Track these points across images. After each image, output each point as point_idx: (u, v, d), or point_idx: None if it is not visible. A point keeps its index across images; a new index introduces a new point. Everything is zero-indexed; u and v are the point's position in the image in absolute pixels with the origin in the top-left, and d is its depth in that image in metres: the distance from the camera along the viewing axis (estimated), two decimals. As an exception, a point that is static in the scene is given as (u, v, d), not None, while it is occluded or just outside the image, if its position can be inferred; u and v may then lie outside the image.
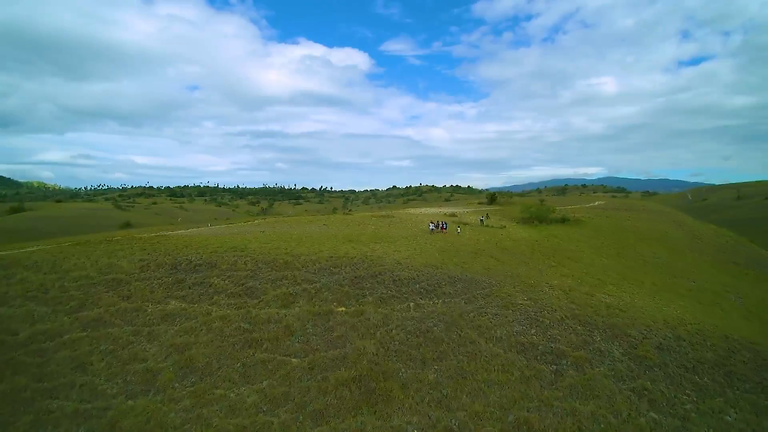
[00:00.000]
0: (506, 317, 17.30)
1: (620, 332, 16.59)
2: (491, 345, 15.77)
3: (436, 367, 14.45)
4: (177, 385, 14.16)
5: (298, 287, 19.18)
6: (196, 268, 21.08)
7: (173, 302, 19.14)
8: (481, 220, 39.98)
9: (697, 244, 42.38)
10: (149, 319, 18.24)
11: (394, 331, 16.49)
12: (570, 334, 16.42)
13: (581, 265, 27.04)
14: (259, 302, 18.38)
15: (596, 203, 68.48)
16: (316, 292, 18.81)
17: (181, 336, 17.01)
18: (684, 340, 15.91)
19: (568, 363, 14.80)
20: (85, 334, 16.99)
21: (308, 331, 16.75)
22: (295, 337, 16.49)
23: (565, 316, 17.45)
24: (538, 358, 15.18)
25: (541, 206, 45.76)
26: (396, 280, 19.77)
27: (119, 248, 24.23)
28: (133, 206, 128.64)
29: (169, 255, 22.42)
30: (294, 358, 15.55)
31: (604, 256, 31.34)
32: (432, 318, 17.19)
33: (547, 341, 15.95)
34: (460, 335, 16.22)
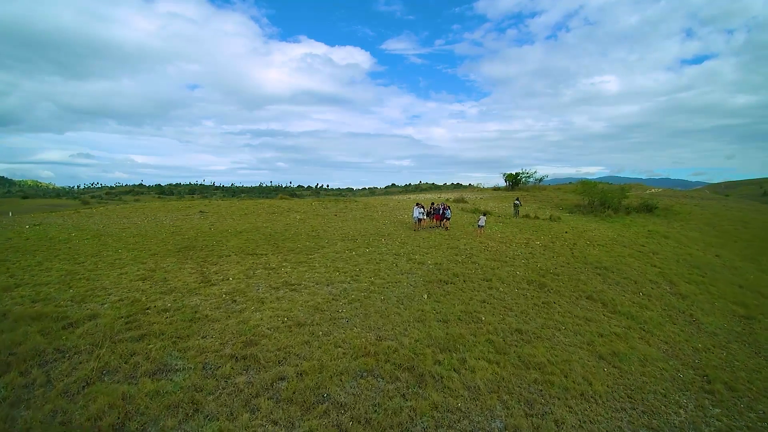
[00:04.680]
0: None
1: None
2: None
3: None
4: None
5: None
6: None
7: None
8: (515, 206, 23.83)
9: None
10: None
11: None
12: None
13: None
14: None
15: (652, 190, 52.28)
16: None
17: None
18: None
19: None
20: None
21: None
22: None
23: None
24: None
25: (609, 187, 29.13)
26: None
27: None
28: (105, 203, 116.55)
29: None
30: None
31: (785, 278, 15.15)
32: None
33: None
34: None
